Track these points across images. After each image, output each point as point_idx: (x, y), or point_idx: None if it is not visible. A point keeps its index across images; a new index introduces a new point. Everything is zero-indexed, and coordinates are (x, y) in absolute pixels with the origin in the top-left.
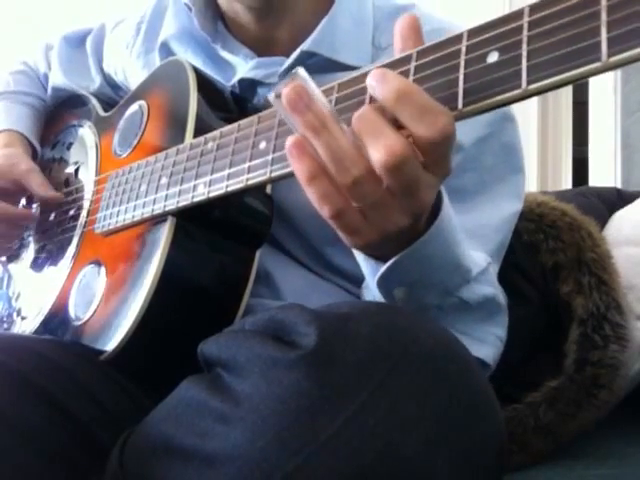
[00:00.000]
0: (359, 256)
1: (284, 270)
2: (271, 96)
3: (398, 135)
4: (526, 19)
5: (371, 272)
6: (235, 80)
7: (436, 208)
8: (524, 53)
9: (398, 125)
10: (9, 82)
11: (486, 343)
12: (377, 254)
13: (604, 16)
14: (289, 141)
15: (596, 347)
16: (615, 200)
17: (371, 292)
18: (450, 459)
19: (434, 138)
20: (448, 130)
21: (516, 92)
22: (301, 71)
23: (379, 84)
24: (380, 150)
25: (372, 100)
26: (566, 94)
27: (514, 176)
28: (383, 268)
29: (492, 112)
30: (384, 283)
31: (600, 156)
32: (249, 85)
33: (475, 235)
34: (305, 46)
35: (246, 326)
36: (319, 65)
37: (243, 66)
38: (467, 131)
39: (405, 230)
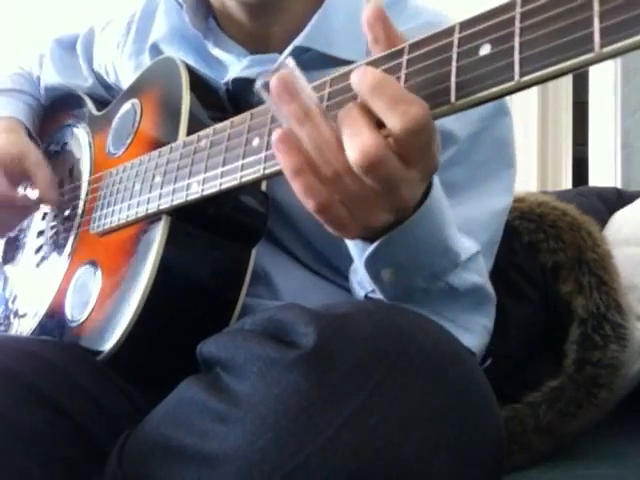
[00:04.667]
0: (348, 240)
1: (283, 269)
2: (258, 85)
3: (375, 135)
4: (518, 10)
5: (359, 253)
6: (228, 79)
7: (427, 189)
8: (516, 45)
9: (381, 124)
10: (6, 82)
11: (473, 332)
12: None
13: (597, 6)
14: (275, 135)
15: (596, 347)
16: (615, 200)
17: (358, 275)
18: (449, 459)
19: (408, 128)
20: (421, 119)
21: (509, 84)
22: (289, 61)
23: (356, 79)
24: (355, 149)
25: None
26: (566, 94)
27: (505, 171)
28: (371, 248)
29: (487, 105)
30: (372, 264)
31: (600, 156)
32: (243, 84)
33: (462, 230)
34: (298, 41)
35: (245, 326)
36: (314, 60)
37: (236, 64)
38: (463, 124)
39: (389, 225)
